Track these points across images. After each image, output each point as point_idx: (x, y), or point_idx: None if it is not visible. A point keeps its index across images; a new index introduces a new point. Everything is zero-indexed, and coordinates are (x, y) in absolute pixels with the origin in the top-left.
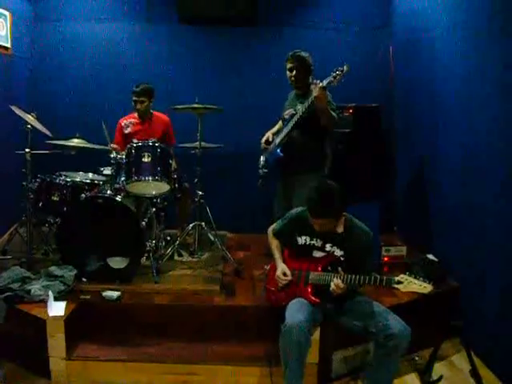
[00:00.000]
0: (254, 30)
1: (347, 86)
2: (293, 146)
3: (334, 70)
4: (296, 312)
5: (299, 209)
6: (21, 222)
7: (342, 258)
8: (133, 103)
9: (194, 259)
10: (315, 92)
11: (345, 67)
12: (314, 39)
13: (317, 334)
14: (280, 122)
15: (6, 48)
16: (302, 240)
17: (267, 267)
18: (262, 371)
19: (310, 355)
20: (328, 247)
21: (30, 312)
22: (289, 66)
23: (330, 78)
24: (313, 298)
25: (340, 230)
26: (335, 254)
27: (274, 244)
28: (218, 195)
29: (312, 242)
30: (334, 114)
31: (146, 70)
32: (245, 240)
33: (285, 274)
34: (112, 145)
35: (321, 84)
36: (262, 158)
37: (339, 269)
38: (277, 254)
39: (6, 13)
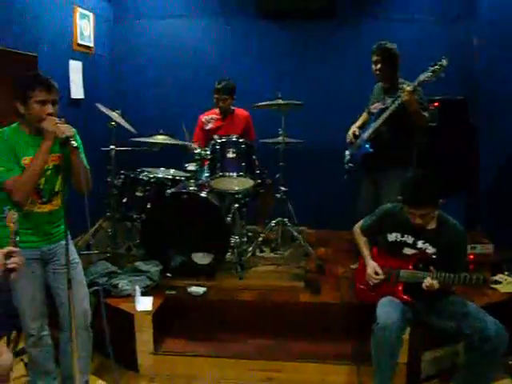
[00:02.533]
0: (333, 23)
1: None
2: (382, 141)
3: (432, 64)
4: (388, 311)
5: (389, 205)
6: (105, 218)
7: (434, 256)
8: (214, 100)
9: (277, 255)
10: (404, 97)
11: (444, 61)
12: (392, 31)
13: (406, 334)
14: (364, 115)
15: (89, 47)
16: (392, 237)
17: (353, 266)
18: (349, 370)
19: (400, 355)
20: (420, 244)
21: (118, 306)
22: (374, 58)
23: (428, 73)
24: (404, 296)
25: (432, 226)
26: (427, 251)
27: (362, 241)
28: (298, 190)
29: (403, 239)
30: (425, 113)
31: (224, 66)
32: (324, 236)
33: (376, 273)
34: (192, 145)
35: (408, 88)
36: (347, 153)
37: (431, 267)
38: (365, 252)
39: (90, 14)
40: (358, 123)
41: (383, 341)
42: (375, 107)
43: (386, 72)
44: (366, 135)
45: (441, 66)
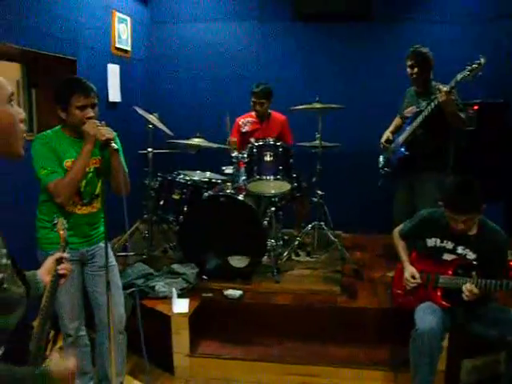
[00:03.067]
0: (370, 26)
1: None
2: (417, 144)
3: (469, 63)
4: (427, 317)
5: (429, 210)
6: (142, 220)
7: (474, 262)
8: (251, 104)
9: (312, 259)
10: (440, 97)
11: (482, 60)
12: (431, 33)
13: (445, 341)
14: (397, 120)
15: (126, 51)
16: (431, 242)
17: (390, 274)
18: (386, 376)
19: (439, 362)
20: (460, 250)
21: (155, 308)
22: (410, 62)
23: (465, 72)
24: (443, 302)
25: (473, 231)
26: (467, 257)
27: (401, 245)
28: (334, 194)
29: (442, 245)
30: (462, 114)
31: (261, 69)
32: (360, 240)
33: (413, 277)
34: (231, 138)
35: (445, 88)
36: (381, 158)
37: (473, 273)
38: (404, 256)
39: (127, 18)
40: (391, 128)
41: (422, 347)
42: (409, 111)
43: (421, 76)
44: (401, 139)
45: (479, 64)
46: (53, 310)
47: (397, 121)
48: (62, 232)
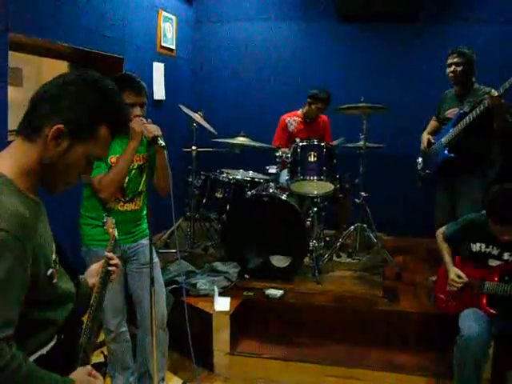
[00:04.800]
0: (416, 27)
1: None
2: (461, 146)
3: None
4: (473, 323)
5: (473, 214)
6: (184, 217)
7: None
8: (311, 107)
9: (354, 261)
10: (491, 102)
11: None
12: (481, 35)
13: (491, 349)
14: (433, 122)
15: (171, 50)
16: (476, 247)
17: (432, 278)
18: (428, 382)
19: (484, 370)
20: (506, 256)
21: (196, 305)
22: (453, 60)
23: None
24: (491, 310)
25: None
26: None
27: (445, 248)
28: (376, 196)
29: (488, 250)
30: (510, 119)
31: (305, 69)
32: (402, 243)
33: (459, 277)
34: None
35: (496, 93)
36: (419, 160)
37: None
38: (447, 258)
39: (173, 17)
40: (429, 130)
41: (467, 354)
42: (451, 112)
43: (463, 76)
44: (443, 140)
45: None
46: (102, 306)
47: (433, 123)
48: (111, 230)
